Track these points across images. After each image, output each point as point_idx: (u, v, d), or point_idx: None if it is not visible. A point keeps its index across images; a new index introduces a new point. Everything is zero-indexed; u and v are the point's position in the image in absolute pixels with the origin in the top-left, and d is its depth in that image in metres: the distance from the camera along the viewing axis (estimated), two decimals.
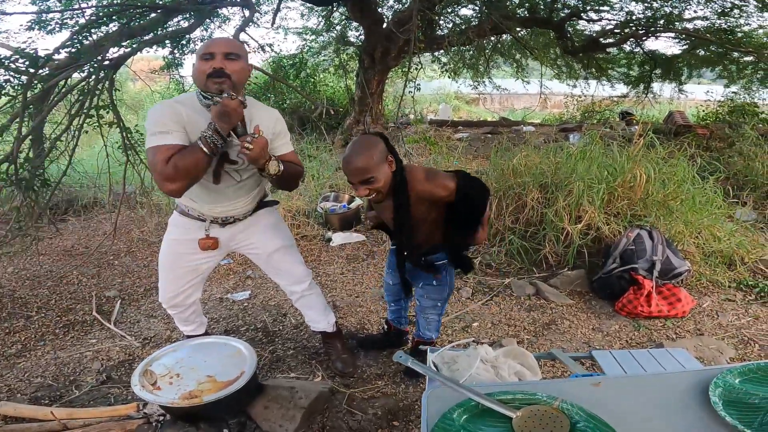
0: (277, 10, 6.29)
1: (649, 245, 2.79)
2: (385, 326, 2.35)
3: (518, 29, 7.25)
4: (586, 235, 3.03)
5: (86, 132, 3.31)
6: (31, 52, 3.14)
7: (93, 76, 3.41)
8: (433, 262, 1.89)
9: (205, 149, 1.48)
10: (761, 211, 3.84)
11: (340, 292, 2.97)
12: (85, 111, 3.24)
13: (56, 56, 3.49)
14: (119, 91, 3.80)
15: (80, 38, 3.69)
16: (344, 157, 1.65)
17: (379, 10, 6.82)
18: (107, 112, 3.25)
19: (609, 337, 2.47)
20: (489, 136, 7.40)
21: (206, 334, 2.23)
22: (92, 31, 3.74)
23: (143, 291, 3.06)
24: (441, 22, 7.16)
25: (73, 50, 3.57)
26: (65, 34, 3.88)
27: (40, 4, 4.67)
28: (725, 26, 6.82)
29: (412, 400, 2.02)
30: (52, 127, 3.77)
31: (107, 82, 3.55)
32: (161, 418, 1.66)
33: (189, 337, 2.17)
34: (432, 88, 13.54)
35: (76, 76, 3.70)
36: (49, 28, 3.91)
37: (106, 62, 3.72)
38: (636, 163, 3.28)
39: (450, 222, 1.80)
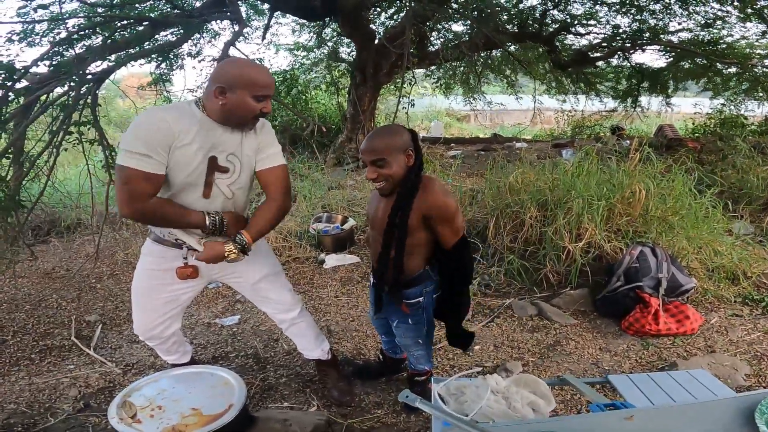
0: (268, 25, 6.26)
1: (653, 262, 2.72)
2: (381, 356, 2.22)
3: (509, 43, 7.31)
4: (587, 253, 2.95)
5: (65, 150, 3.17)
6: (8, 63, 3.02)
7: (73, 91, 3.29)
8: (406, 296, 1.74)
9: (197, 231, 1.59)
10: (758, 225, 3.81)
11: (335, 317, 2.84)
12: (64, 127, 3.11)
13: (35, 69, 3.37)
14: (101, 106, 3.67)
15: (60, 50, 3.58)
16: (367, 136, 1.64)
17: (371, 26, 6.83)
18: (88, 129, 3.12)
19: (618, 357, 2.38)
20: (482, 153, 7.37)
21: (192, 361, 2.09)
22: (74, 44, 3.63)
23: (126, 315, 2.90)
24: (432, 37, 7.19)
25: (53, 63, 3.46)
26: (47, 47, 3.76)
27: (25, 16, 4.58)
28: (708, 38, 6.95)
29: (415, 430, 1.90)
30: (33, 144, 3.62)
31: (89, 98, 3.43)
32: None
33: (174, 365, 2.02)
34: (423, 105, 13.60)
35: (59, 90, 3.58)
36: (29, 39, 3.79)
37: (89, 76, 3.61)
38: (634, 179, 3.24)
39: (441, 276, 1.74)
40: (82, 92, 3.56)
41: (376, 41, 6.45)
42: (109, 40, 4.26)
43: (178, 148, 1.45)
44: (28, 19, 4.10)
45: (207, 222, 1.54)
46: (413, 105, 5.55)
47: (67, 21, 4.09)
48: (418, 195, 1.59)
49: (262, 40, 6.63)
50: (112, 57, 4.16)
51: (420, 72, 8.50)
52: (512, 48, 7.82)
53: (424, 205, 1.59)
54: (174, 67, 6.01)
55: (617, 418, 0.96)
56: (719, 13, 6.33)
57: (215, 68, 1.56)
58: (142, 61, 5.31)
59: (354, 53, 7.29)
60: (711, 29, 6.73)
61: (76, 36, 3.96)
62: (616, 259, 2.90)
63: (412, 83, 5.56)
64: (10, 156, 3.38)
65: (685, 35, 7.19)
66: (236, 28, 5.47)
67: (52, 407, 2.02)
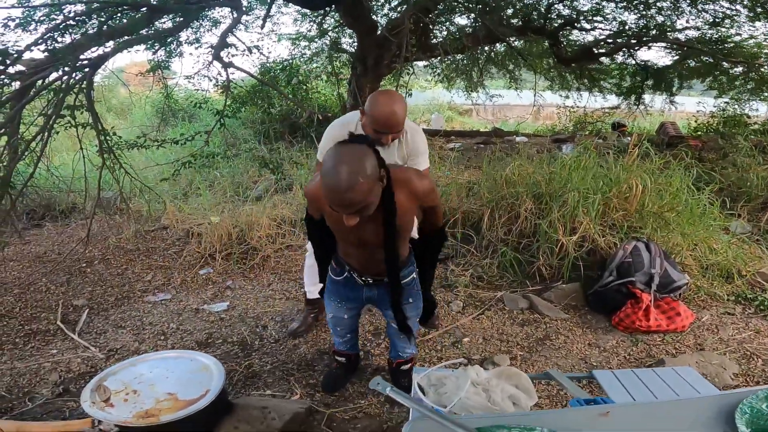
0: (267, 13, 6.19)
1: (646, 258, 2.69)
2: (341, 358, 2.08)
3: (512, 38, 7.22)
4: (581, 247, 2.93)
5: (56, 132, 3.15)
6: (2, 48, 3.00)
7: (66, 76, 3.27)
8: (404, 278, 1.71)
9: None
10: (756, 224, 3.77)
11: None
12: (57, 111, 3.09)
13: (28, 54, 3.34)
14: (93, 93, 3.64)
15: (55, 36, 3.54)
16: (330, 181, 1.30)
17: (374, 17, 6.75)
18: (81, 113, 3.09)
19: (606, 353, 2.36)
20: (482, 146, 7.31)
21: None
22: (69, 30, 3.60)
23: (114, 300, 2.89)
24: (435, 30, 7.10)
25: (50, 48, 3.42)
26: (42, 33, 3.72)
27: (25, 2, 4.51)
28: (716, 37, 6.83)
29: (398, 421, 1.89)
30: (26, 128, 3.59)
31: (84, 83, 3.40)
32: None
33: (310, 302, 2.39)
34: (425, 98, 13.50)
35: (55, 75, 3.55)
36: (24, 25, 3.74)
37: (85, 62, 3.58)
38: (631, 174, 3.20)
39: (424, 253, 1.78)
40: (77, 78, 3.53)
41: (378, 32, 6.37)
42: (105, 26, 4.21)
43: None
44: (27, 6, 4.05)
45: None
46: (410, 95, 5.45)
47: (65, 7, 4.04)
48: (400, 191, 1.48)
49: (262, 28, 6.57)
50: (110, 43, 4.12)
51: (422, 65, 8.41)
52: (515, 42, 7.71)
53: (416, 193, 1.52)
54: (173, 55, 5.94)
55: (593, 413, 0.94)
56: (728, 11, 6.20)
57: None
58: (141, 47, 5.27)
59: (356, 44, 7.22)
60: (719, 28, 6.61)
61: (72, 22, 3.92)
62: (609, 253, 2.87)
63: (410, 73, 5.46)
64: (5, 139, 3.36)
65: (692, 33, 7.07)
66: (236, 15, 5.42)
67: (31, 392, 2.02)
